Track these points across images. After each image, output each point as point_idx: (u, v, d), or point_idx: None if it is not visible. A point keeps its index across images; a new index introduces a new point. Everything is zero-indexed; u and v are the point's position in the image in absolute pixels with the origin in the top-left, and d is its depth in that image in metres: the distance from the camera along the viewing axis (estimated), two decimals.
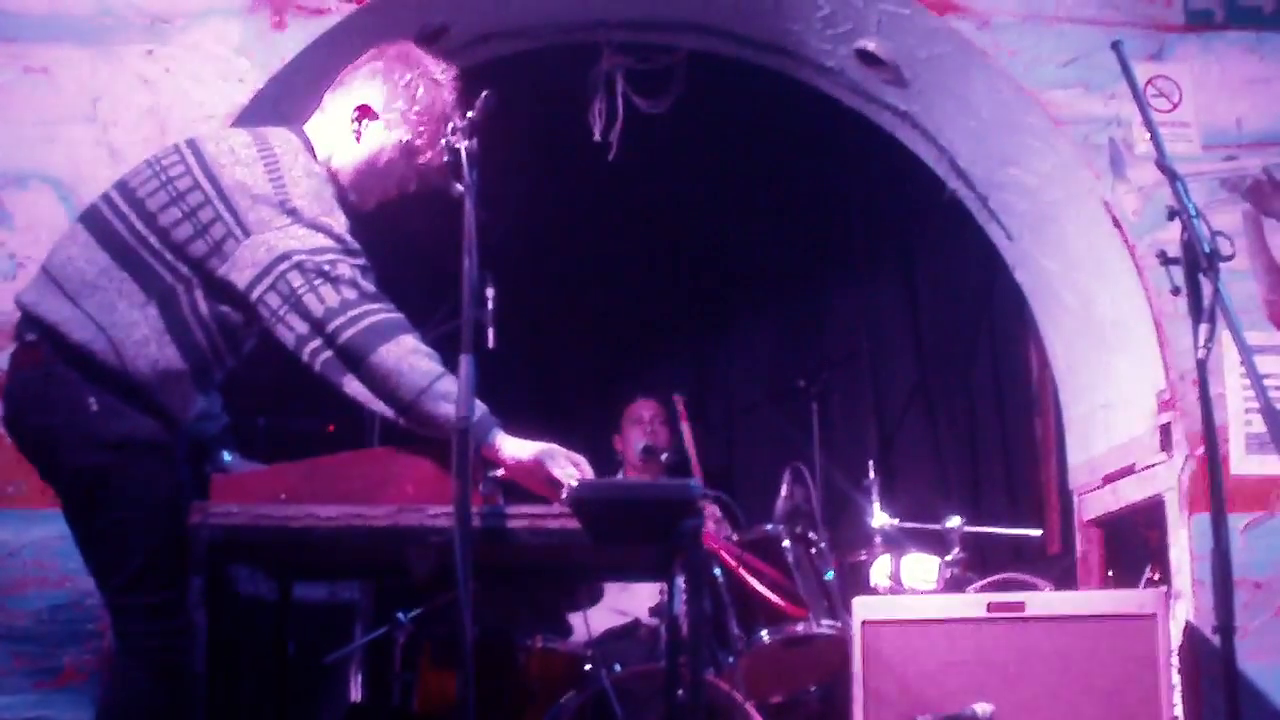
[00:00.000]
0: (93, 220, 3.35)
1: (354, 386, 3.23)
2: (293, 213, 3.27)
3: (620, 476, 6.07)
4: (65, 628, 4.28)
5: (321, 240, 3.26)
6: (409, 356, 3.20)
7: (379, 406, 3.23)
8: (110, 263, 3.27)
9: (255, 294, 3.25)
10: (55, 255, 3.34)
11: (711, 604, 4.78)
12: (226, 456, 3.57)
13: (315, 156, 3.47)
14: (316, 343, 3.22)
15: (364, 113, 3.53)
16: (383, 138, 3.52)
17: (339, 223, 3.32)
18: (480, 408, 3.21)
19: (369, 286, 3.26)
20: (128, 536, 3.19)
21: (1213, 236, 3.29)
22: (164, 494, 3.22)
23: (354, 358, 3.20)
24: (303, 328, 3.22)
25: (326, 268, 3.22)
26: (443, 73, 3.56)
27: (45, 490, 3.34)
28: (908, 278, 7.61)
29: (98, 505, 3.20)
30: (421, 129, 3.50)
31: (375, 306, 3.24)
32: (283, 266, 3.23)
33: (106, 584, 3.25)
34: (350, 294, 3.22)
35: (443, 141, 3.25)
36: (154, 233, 3.29)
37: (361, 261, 3.30)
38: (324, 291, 3.21)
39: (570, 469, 3.25)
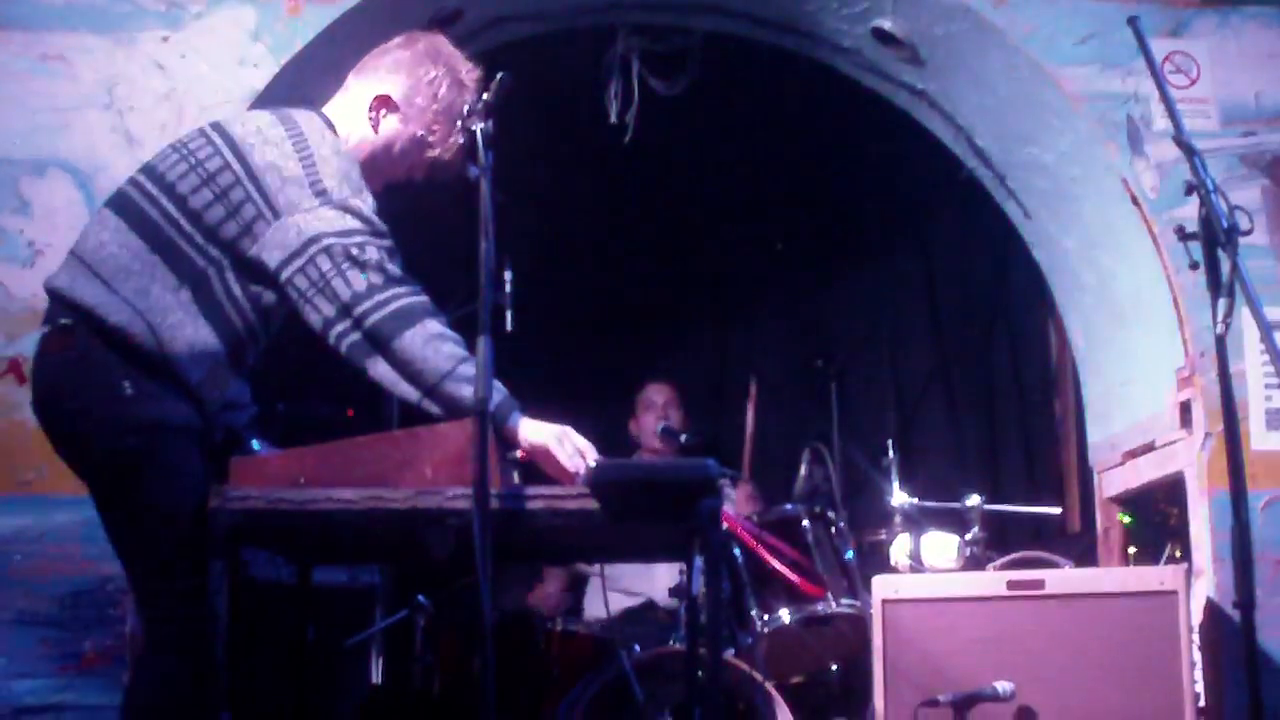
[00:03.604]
0: (122, 205, 3.36)
1: (379, 369, 3.26)
2: (322, 194, 3.30)
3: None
4: (88, 613, 4.29)
5: (350, 222, 3.29)
6: (433, 341, 3.23)
7: (404, 389, 3.27)
8: (142, 247, 3.29)
9: (284, 275, 3.28)
10: (86, 241, 3.35)
11: (731, 584, 4.79)
12: (256, 445, 3.59)
13: (337, 136, 3.49)
14: (343, 325, 3.25)
15: (383, 102, 3.56)
16: (398, 129, 3.56)
17: (367, 204, 3.35)
18: (500, 390, 3.24)
19: (395, 270, 3.29)
20: (159, 521, 3.19)
21: (1231, 212, 3.28)
22: (194, 479, 3.23)
23: (380, 341, 3.23)
24: (330, 310, 3.25)
25: (355, 251, 3.25)
26: (468, 74, 3.59)
27: (67, 475, 3.34)
28: (926, 257, 7.60)
29: (129, 489, 3.21)
30: (436, 127, 3.54)
31: (401, 290, 3.27)
32: (312, 250, 3.25)
33: (135, 569, 3.26)
34: (377, 278, 3.25)
35: (454, 138, 3.27)
36: (185, 215, 3.30)
37: (388, 243, 3.33)
38: (351, 275, 3.24)
39: (575, 455, 3.26)
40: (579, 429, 3.36)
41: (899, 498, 5.35)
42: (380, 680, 5.69)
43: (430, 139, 3.55)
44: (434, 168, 3.59)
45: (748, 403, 6.27)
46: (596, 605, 5.61)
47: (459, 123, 3.46)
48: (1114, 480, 5.51)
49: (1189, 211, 3.41)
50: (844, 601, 4.82)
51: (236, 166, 3.32)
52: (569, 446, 3.29)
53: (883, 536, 5.37)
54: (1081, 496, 6.66)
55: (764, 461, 6.96)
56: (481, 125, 3.13)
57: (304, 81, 4.67)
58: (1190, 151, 3.37)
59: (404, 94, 3.55)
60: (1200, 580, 4.71)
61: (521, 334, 4.96)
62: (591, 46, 5.93)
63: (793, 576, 4.75)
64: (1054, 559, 4.64)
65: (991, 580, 4.39)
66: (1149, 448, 5.19)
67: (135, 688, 3.32)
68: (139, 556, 3.25)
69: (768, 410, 7.36)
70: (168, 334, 3.24)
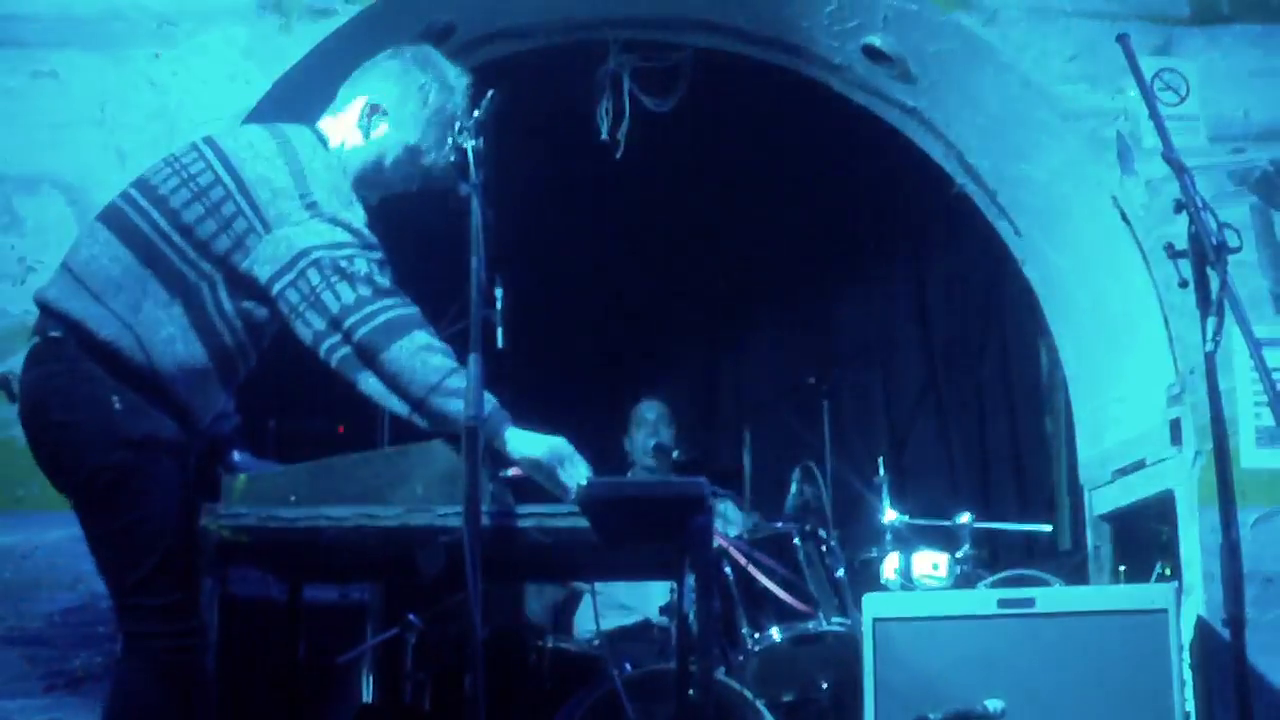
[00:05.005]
0: (114, 219, 3.35)
1: (369, 383, 3.26)
2: (312, 206, 3.29)
3: (630, 476, 6.06)
4: (78, 630, 4.28)
5: (340, 235, 3.28)
6: (420, 353, 3.22)
7: (393, 403, 3.26)
8: (134, 261, 3.28)
9: (276, 289, 3.27)
10: (77, 254, 3.34)
11: (721, 602, 4.78)
12: (237, 456, 3.58)
13: (328, 150, 3.49)
14: (333, 339, 3.25)
15: (374, 111, 3.55)
16: (390, 137, 3.54)
17: (357, 216, 3.35)
18: (491, 402, 3.21)
19: (384, 282, 3.28)
20: (144, 537, 3.17)
21: (1220, 229, 3.29)
22: (179, 495, 3.22)
23: (368, 355, 3.23)
24: (320, 324, 3.25)
25: (343, 264, 3.25)
26: (458, 78, 3.59)
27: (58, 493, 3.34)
28: (917, 274, 7.61)
29: (115, 504, 3.19)
30: (429, 133, 3.52)
31: (390, 303, 3.26)
32: (302, 263, 3.25)
33: (118, 584, 3.24)
34: (365, 291, 3.24)
35: (448, 145, 3.26)
36: (177, 229, 3.30)
37: (379, 255, 3.32)
38: (340, 289, 3.23)
39: (573, 473, 3.26)
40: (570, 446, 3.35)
41: (890, 515, 5.36)
42: (371, 698, 5.68)
43: (422, 146, 3.55)
44: (428, 177, 3.59)
45: (743, 449, 6.34)
46: (587, 622, 5.61)
47: (451, 129, 3.46)
48: (1104, 498, 5.52)
49: (1178, 228, 3.41)
50: (835, 619, 4.81)
51: (228, 180, 3.32)
52: (565, 467, 3.28)
53: (874, 554, 5.37)
54: (1072, 514, 6.66)
55: (755, 479, 6.96)
56: (472, 143, 3.13)
57: (295, 98, 4.67)
58: (1180, 169, 3.37)
59: (394, 101, 3.55)
60: (1191, 598, 4.71)
61: (513, 351, 4.96)
62: (583, 63, 5.94)
63: (784, 594, 4.75)
64: (1044, 577, 4.65)
65: (982, 598, 4.39)
66: (1139, 465, 5.20)
67: (115, 705, 3.30)
68: (122, 571, 3.23)
69: (759, 427, 7.37)
70: (158, 349, 3.23)
